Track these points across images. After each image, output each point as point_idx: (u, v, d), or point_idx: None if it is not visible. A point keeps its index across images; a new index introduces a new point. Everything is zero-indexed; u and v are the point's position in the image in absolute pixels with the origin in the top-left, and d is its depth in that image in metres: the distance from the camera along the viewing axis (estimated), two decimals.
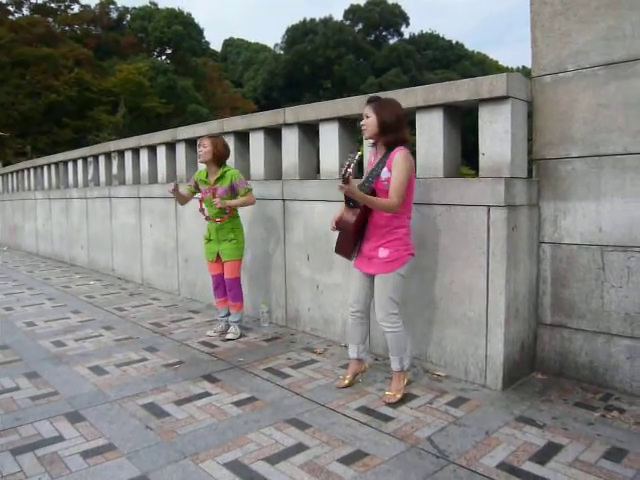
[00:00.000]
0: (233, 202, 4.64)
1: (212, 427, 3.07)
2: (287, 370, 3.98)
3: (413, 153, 4.10)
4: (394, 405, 3.31)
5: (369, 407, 3.29)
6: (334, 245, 3.49)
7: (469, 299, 3.61)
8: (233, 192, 4.68)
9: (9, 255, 12.05)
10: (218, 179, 4.67)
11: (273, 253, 5.26)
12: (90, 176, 9.42)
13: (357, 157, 3.03)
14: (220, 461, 2.69)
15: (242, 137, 5.76)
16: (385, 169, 3.22)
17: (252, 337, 4.86)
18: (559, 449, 2.74)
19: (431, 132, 3.88)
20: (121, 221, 8.13)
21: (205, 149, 4.63)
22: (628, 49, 3.33)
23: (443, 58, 66.35)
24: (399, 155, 3.19)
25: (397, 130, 3.25)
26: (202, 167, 4.91)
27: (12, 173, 14.17)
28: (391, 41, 70.68)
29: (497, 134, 3.52)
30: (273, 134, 5.37)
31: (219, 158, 4.68)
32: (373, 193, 3.23)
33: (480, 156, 3.63)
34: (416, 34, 71.66)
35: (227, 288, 4.80)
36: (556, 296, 3.74)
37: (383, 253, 3.28)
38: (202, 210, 4.77)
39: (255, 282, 5.48)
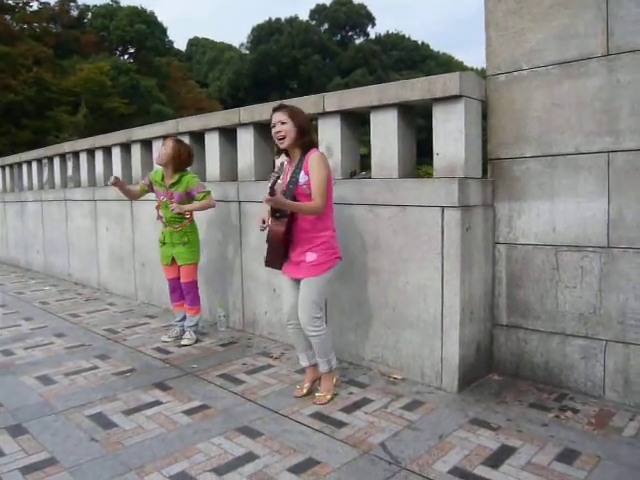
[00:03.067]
0: (191, 206, 4.51)
1: (160, 437, 2.96)
2: (241, 376, 3.89)
3: (368, 154, 4.08)
4: (348, 410, 3.25)
5: (323, 413, 3.23)
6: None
7: (424, 301, 3.57)
8: (188, 198, 4.55)
9: None
10: (174, 184, 4.53)
11: (230, 256, 5.15)
12: (45, 178, 9.13)
13: (282, 165, 3.11)
14: (166, 473, 2.59)
15: (198, 138, 5.63)
16: (302, 173, 3.20)
17: (208, 342, 4.75)
18: (512, 452, 2.72)
19: (386, 132, 3.84)
20: (77, 224, 7.90)
21: (165, 151, 4.47)
22: (581, 48, 3.34)
23: (409, 59, 66.89)
24: (314, 157, 3.19)
25: (309, 133, 3.29)
26: (158, 167, 4.75)
27: None
28: (357, 41, 71.00)
29: (451, 134, 3.50)
30: (229, 134, 5.26)
31: (179, 164, 4.53)
32: (294, 199, 3.19)
33: (434, 156, 3.61)
34: (382, 34, 72.13)
35: (184, 292, 4.69)
36: (511, 297, 3.73)
37: (311, 257, 3.25)
38: (160, 217, 4.66)
39: (212, 285, 5.36)
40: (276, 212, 3.18)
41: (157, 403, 3.44)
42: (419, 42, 71.68)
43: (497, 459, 2.65)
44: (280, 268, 3.42)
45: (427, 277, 3.55)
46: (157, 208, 4.68)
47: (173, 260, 4.67)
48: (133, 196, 4.87)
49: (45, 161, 9.06)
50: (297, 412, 3.25)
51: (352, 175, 4.21)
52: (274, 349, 4.48)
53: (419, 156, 4.48)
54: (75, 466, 2.67)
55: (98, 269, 7.39)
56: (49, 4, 42.05)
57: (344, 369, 3.94)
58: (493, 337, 3.83)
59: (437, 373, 3.56)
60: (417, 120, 4.06)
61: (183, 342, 4.66)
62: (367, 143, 4.11)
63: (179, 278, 4.71)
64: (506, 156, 3.68)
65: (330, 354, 3.41)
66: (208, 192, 4.58)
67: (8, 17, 39.04)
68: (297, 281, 3.35)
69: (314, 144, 3.35)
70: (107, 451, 2.82)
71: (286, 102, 4.35)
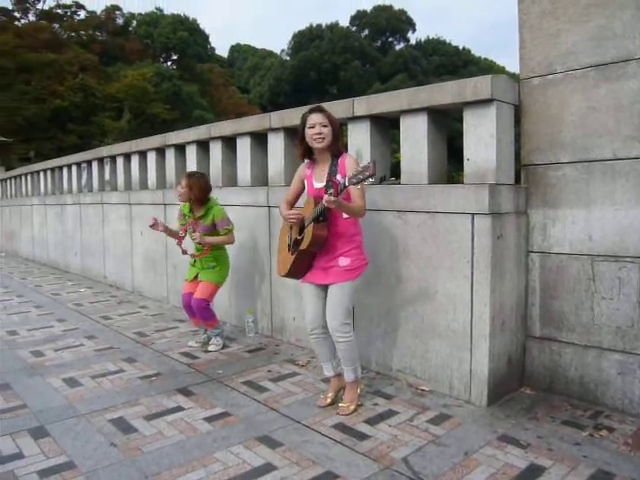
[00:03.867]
0: (211, 239, 4.54)
1: (179, 445, 2.93)
2: (266, 383, 3.83)
3: (397, 161, 4.00)
4: (372, 422, 3.15)
5: (346, 424, 3.14)
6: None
7: (453, 310, 3.46)
8: (215, 229, 4.59)
9: (5, 261, 11.97)
10: (202, 216, 4.60)
11: (259, 261, 5.12)
12: (84, 182, 9.33)
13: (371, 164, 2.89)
14: None
15: (230, 142, 5.64)
16: (339, 176, 3.13)
17: (235, 348, 4.72)
18: (541, 472, 2.58)
19: (415, 136, 3.74)
20: (113, 228, 8.03)
21: (182, 190, 4.56)
22: (619, 49, 3.18)
23: (450, 64, 66.16)
24: (350, 159, 3.18)
25: (342, 138, 3.31)
26: None
27: (11, 179, 14.14)
28: (397, 47, 70.68)
29: (482, 139, 3.38)
30: (260, 139, 5.24)
31: (198, 200, 4.58)
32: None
33: (465, 161, 3.50)
34: (422, 40, 71.64)
35: (195, 309, 4.58)
36: (545, 308, 3.58)
37: (344, 262, 3.18)
38: (184, 252, 4.70)
39: (241, 291, 5.35)
40: (320, 217, 3.10)
41: (179, 409, 3.41)
42: (460, 47, 70.91)
43: (525, 479, 2.52)
44: (302, 277, 3.36)
45: (456, 286, 3.43)
46: (179, 243, 4.70)
47: (196, 277, 4.68)
48: (177, 235, 4.80)
49: (84, 165, 9.26)
50: (319, 422, 3.18)
51: (381, 180, 4.12)
52: (301, 356, 4.42)
53: (456, 162, 4.38)
54: (92, 471, 2.65)
55: (132, 272, 7.49)
56: (96, 13, 43.39)
57: (371, 379, 3.85)
58: (525, 349, 3.67)
59: (466, 386, 3.43)
60: (450, 124, 3.94)
61: (210, 348, 4.65)
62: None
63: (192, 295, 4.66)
64: (540, 162, 3.54)
65: (356, 362, 3.33)
66: (230, 229, 4.64)
67: (57, 25, 40.39)
68: (322, 288, 3.28)
69: (344, 150, 3.33)
70: (125, 457, 2.80)
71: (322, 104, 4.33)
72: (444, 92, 3.52)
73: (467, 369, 3.41)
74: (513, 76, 3.83)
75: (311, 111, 3.24)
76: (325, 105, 4.42)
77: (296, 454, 2.80)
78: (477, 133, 3.41)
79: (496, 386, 3.40)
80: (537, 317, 3.62)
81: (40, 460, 2.78)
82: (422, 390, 3.62)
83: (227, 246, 4.74)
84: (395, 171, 4.33)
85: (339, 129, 3.26)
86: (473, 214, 3.30)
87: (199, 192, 4.55)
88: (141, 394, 3.67)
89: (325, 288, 3.27)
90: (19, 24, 39.90)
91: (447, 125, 3.92)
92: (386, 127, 4.20)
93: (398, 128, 3.94)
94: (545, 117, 3.50)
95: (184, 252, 4.71)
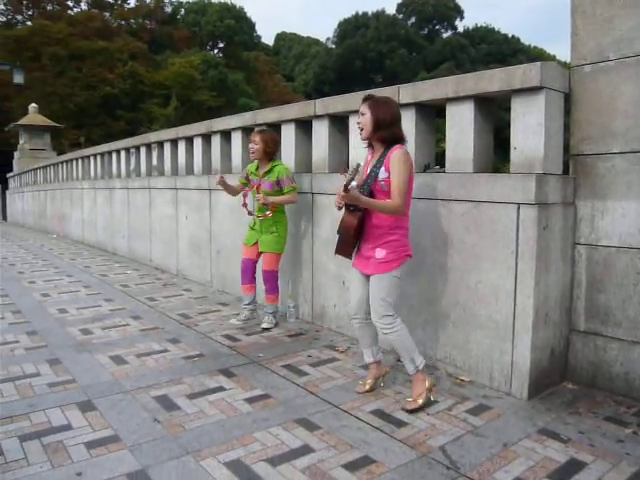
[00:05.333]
0: (274, 199, 4.65)
1: (220, 423, 3.00)
2: (305, 368, 3.88)
3: (442, 150, 3.95)
4: (412, 410, 3.15)
5: (384, 411, 3.16)
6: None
7: (496, 301, 3.41)
8: (279, 187, 4.68)
9: (56, 243, 12.41)
10: (266, 172, 4.70)
11: (301, 247, 5.16)
12: (132, 167, 9.56)
13: (358, 166, 2.94)
14: (221, 460, 2.61)
15: (274, 129, 5.66)
16: (382, 169, 3.09)
17: (276, 332, 4.79)
18: (581, 467, 2.54)
19: (461, 125, 3.69)
20: (159, 212, 8.22)
21: (256, 146, 4.67)
22: None
23: (498, 52, 64.55)
24: (397, 154, 3.06)
25: (391, 127, 3.13)
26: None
27: (62, 163, 14.60)
28: (444, 35, 69.44)
29: (530, 127, 3.31)
30: (304, 126, 5.27)
31: (269, 153, 4.72)
32: (371, 195, 3.11)
33: (511, 150, 3.43)
34: (470, 28, 70.15)
35: (264, 280, 4.82)
36: (591, 301, 3.50)
37: (380, 254, 3.15)
38: (245, 205, 4.82)
39: (283, 276, 5.39)
40: (351, 206, 3.10)
41: (220, 389, 3.50)
42: (509, 35, 69.13)
43: (564, 474, 2.49)
44: (350, 257, 3.35)
45: (500, 277, 3.39)
46: (244, 195, 4.85)
47: (256, 244, 4.81)
48: (234, 192, 5.04)
49: (132, 150, 9.48)
50: (357, 408, 3.20)
51: (426, 168, 4.09)
52: (340, 343, 4.45)
53: (503, 153, 4.30)
54: (136, 445, 2.75)
55: (177, 255, 7.65)
56: (145, 1, 44.04)
57: None
58: (569, 343, 3.60)
59: (506, 377, 3.39)
60: (497, 114, 3.87)
61: (263, 325, 4.83)
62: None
63: (254, 261, 4.87)
64: (590, 152, 3.44)
65: (413, 352, 3.22)
66: (294, 188, 4.71)
67: (107, 14, 41.25)
68: (366, 276, 3.27)
69: (399, 139, 3.16)
70: (168, 433, 2.89)
71: (361, 94, 4.31)
72: (491, 79, 3.45)
73: (508, 361, 3.37)
74: (564, 65, 3.73)
75: (362, 100, 3.23)
76: (369, 92, 4.43)
77: (334, 438, 2.84)
78: (525, 121, 3.33)
79: (537, 379, 3.35)
80: (582, 310, 3.54)
81: (87, 432, 2.90)
82: (462, 380, 3.60)
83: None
84: (439, 160, 4.29)
85: (386, 117, 3.10)
86: (519, 204, 3.25)
87: (273, 144, 4.75)
88: (184, 373, 3.77)
89: (368, 277, 3.26)
90: (72, 13, 40.93)
91: (494, 113, 3.85)
92: (431, 115, 4.15)
93: (443, 116, 3.90)
94: (596, 106, 3.40)
95: (250, 213, 4.83)
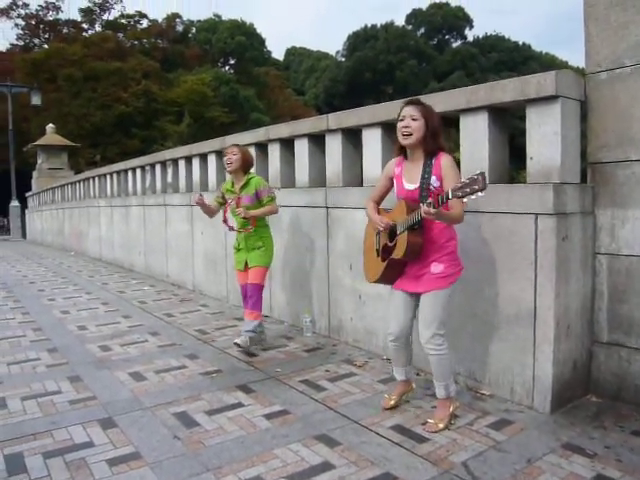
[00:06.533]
0: (255, 212, 4.55)
1: (239, 440, 2.99)
2: (324, 383, 3.86)
3: (457, 161, 3.93)
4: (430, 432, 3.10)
5: (404, 426, 3.12)
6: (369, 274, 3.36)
7: (515, 314, 3.38)
8: (258, 199, 4.61)
9: (74, 260, 12.54)
10: (243, 187, 4.63)
11: (316, 261, 5.16)
12: (147, 184, 9.65)
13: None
14: (242, 477, 2.60)
15: (287, 144, 5.70)
16: (434, 178, 2.97)
17: (293, 347, 4.77)
18: None
19: (475, 136, 3.68)
20: (175, 228, 8.27)
21: (235, 156, 4.59)
22: None
23: (509, 60, 64.47)
24: (447, 160, 2.96)
25: (440, 136, 3.04)
26: (228, 178, 4.88)
27: (80, 182, 14.79)
28: (454, 44, 69.52)
29: (546, 136, 3.29)
30: (317, 141, 5.28)
31: (248, 166, 4.70)
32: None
33: (527, 160, 3.41)
34: (480, 36, 70.17)
35: (248, 294, 4.62)
36: (613, 312, 3.44)
37: (437, 268, 3.00)
38: (225, 221, 4.76)
39: (299, 291, 5.40)
40: (415, 225, 2.90)
41: (239, 405, 3.49)
42: (520, 42, 69.02)
43: None
44: (392, 284, 3.24)
45: (519, 289, 3.35)
46: (224, 212, 4.76)
47: (246, 265, 4.70)
48: (212, 212, 4.87)
49: (148, 168, 9.58)
50: (377, 423, 3.17)
51: None
52: (358, 357, 4.42)
53: (516, 160, 4.28)
54: (156, 462, 2.75)
55: (193, 271, 7.69)
56: (157, 21, 44.69)
57: (429, 381, 3.79)
58: (592, 355, 3.54)
59: (528, 391, 3.34)
60: (511, 122, 3.85)
61: (236, 340, 4.54)
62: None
63: None
64: (608, 160, 3.41)
65: (448, 379, 3.10)
66: (273, 198, 4.66)
67: (121, 35, 41.93)
68: (412, 296, 3.14)
69: (443, 148, 3.05)
70: (188, 450, 2.89)
71: (373, 108, 4.34)
72: (505, 89, 3.44)
73: (530, 374, 3.32)
74: (576, 71, 3.71)
75: (405, 103, 3.05)
76: (379, 106, 4.47)
77: (354, 454, 2.81)
78: (541, 131, 3.31)
79: (560, 392, 3.29)
80: (604, 322, 3.49)
81: (109, 449, 2.91)
82: (482, 394, 3.55)
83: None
84: None
85: (437, 125, 3.01)
86: (537, 214, 3.22)
87: (250, 156, 4.74)
88: (203, 390, 3.77)
89: (416, 297, 3.12)
90: (86, 35, 41.64)
91: (508, 123, 3.83)
92: (445, 127, 4.14)
93: (455, 127, 3.89)
94: (613, 113, 3.37)
95: (231, 228, 4.75)
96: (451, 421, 3.13)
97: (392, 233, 3.11)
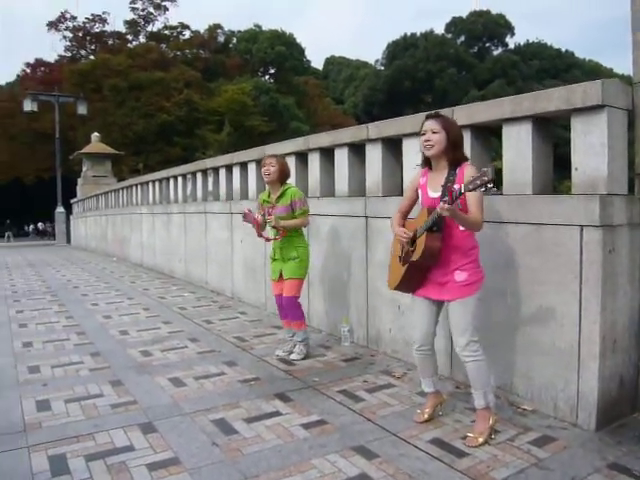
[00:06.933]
0: (285, 223, 4.57)
1: (277, 449, 3.00)
2: (362, 393, 3.84)
3: (499, 170, 3.88)
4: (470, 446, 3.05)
5: (443, 440, 3.08)
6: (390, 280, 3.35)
7: (559, 328, 3.29)
8: (293, 210, 4.63)
9: (117, 266, 12.84)
10: (279, 197, 4.66)
11: (355, 271, 5.15)
12: (188, 192, 9.82)
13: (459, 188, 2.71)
14: None
15: (327, 153, 5.72)
16: (456, 185, 2.93)
17: (331, 356, 4.77)
18: None
19: (518, 146, 3.62)
20: (215, 236, 8.39)
21: (273, 168, 4.61)
22: None
23: (551, 67, 63.45)
24: (470, 170, 2.99)
25: (462, 147, 3.11)
26: (266, 187, 4.92)
27: (123, 189, 15.15)
28: (495, 52, 68.81)
29: (592, 147, 3.21)
30: (357, 150, 5.29)
31: (285, 177, 4.71)
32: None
33: (573, 171, 3.33)
34: (522, 44, 69.25)
35: (285, 307, 4.67)
36: None
37: (460, 276, 3.02)
38: (262, 236, 4.78)
39: (337, 300, 5.40)
40: (433, 226, 2.95)
41: (277, 414, 3.50)
42: (562, 50, 67.81)
43: None
44: (413, 291, 3.25)
45: (563, 302, 3.27)
46: (259, 234, 4.77)
47: (281, 276, 4.72)
48: (261, 227, 4.84)
49: (189, 176, 9.75)
50: (416, 436, 3.13)
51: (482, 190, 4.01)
52: (396, 368, 4.39)
53: (559, 169, 4.19)
54: (195, 469, 2.78)
55: (232, 279, 7.77)
56: (199, 32, 45.63)
57: (469, 394, 3.72)
58: None
59: (572, 408, 3.25)
60: (554, 131, 3.78)
61: (292, 357, 4.67)
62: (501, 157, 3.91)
63: None
64: None
65: (487, 386, 3.07)
66: (305, 211, 4.66)
67: (164, 46, 42.99)
68: (436, 303, 3.16)
69: (466, 158, 3.12)
70: (226, 457, 2.91)
71: (413, 117, 4.32)
72: (549, 99, 3.38)
73: (574, 390, 3.24)
74: (623, 79, 3.62)
75: (426, 117, 3.13)
76: (420, 116, 4.39)
77: (392, 467, 2.78)
78: (586, 141, 3.24)
79: (606, 410, 3.19)
80: None
81: (149, 454, 2.96)
82: (524, 409, 3.47)
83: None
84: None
85: (458, 136, 3.08)
86: (582, 226, 3.15)
87: (287, 166, 4.75)
88: (241, 397, 3.80)
89: (440, 304, 3.16)
90: (131, 46, 42.89)
91: (552, 133, 3.77)
92: (487, 136, 4.10)
93: (497, 136, 3.85)
94: None
95: (267, 239, 4.78)
96: (491, 435, 3.07)
97: (414, 240, 3.13)
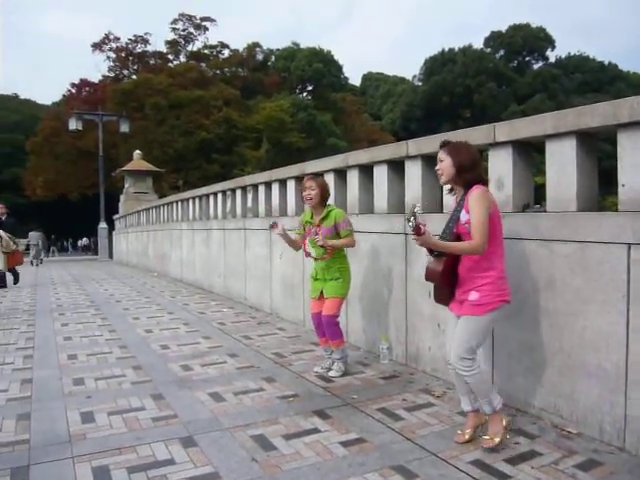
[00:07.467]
0: (334, 242, 4.58)
1: (316, 466, 2.99)
2: (401, 412, 3.80)
3: (542, 185, 3.83)
4: (513, 461, 2.99)
5: (484, 461, 3.02)
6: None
7: (605, 349, 3.20)
8: (336, 232, 4.64)
9: (157, 281, 13.08)
10: (323, 219, 4.67)
11: (394, 288, 5.12)
12: (228, 208, 9.96)
13: (417, 209, 2.90)
14: None
15: (366, 170, 5.74)
16: (463, 212, 3.09)
17: (369, 374, 4.74)
18: None
19: (562, 162, 3.56)
20: (254, 252, 8.47)
21: (313, 192, 4.63)
22: None
23: (594, 81, 62.23)
24: (475, 194, 3.05)
25: (472, 170, 3.13)
26: (307, 208, 4.94)
27: (164, 205, 15.47)
28: (535, 66, 67.97)
29: None
30: (396, 167, 5.29)
31: (326, 198, 4.73)
32: (458, 237, 3.10)
33: (619, 187, 3.25)
34: (563, 57, 68.21)
35: (324, 326, 4.65)
36: None
37: (473, 296, 3.11)
38: (308, 254, 4.81)
39: (376, 318, 5.37)
40: (433, 251, 3.12)
41: (316, 431, 3.49)
42: (605, 62, 66.46)
43: None
44: (447, 304, 3.33)
45: (609, 322, 3.19)
46: (304, 244, 4.83)
47: (321, 295, 4.73)
48: (296, 246, 4.97)
49: (228, 193, 9.90)
50: (456, 457, 3.08)
51: (525, 208, 3.97)
52: (436, 387, 4.33)
53: (605, 185, 4.11)
54: None
55: (271, 295, 7.83)
56: (238, 51, 46.54)
57: (512, 415, 3.66)
58: None
59: (619, 431, 3.14)
60: (598, 146, 3.71)
61: (330, 374, 4.66)
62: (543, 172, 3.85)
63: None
64: None
65: (490, 394, 3.19)
66: (351, 232, 4.67)
67: (203, 64, 44.00)
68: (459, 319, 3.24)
69: (478, 180, 3.14)
70: (265, 473, 2.92)
71: (454, 134, 4.28)
72: (594, 114, 3.32)
73: (621, 413, 3.13)
74: None
75: (439, 147, 3.28)
76: (461, 132, 4.41)
77: None
78: (635, 157, 3.16)
79: None
80: None
81: (189, 468, 2.99)
82: (568, 432, 3.38)
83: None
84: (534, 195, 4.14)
85: (467, 161, 3.13)
86: (629, 244, 3.06)
87: (327, 188, 4.76)
88: (280, 413, 3.81)
89: None
90: (172, 65, 44.04)
91: (596, 148, 3.70)
92: (529, 153, 4.05)
93: (539, 152, 3.80)
94: None
95: (308, 254, 4.80)
96: (507, 435, 3.20)
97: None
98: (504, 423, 3.21)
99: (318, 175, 4.96)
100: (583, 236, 3.33)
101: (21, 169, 42.92)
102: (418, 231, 2.90)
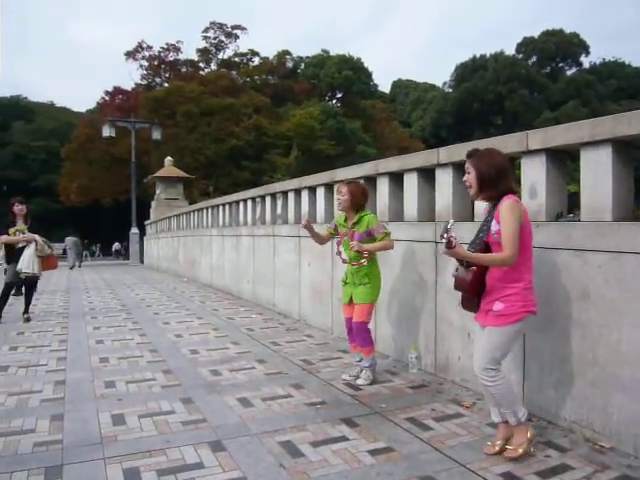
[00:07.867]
0: (370, 246, 4.57)
1: (343, 474, 2.99)
2: (429, 422, 3.77)
3: (576, 193, 3.77)
4: (544, 475, 2.94)
5: (514, 474, 2.97)
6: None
7: None
8: (369, 237, 4.62)
9: (187, 286, 13.24)
10: (355, 223, 4.67)
11: (424, 297, 5.09)
12: (257, 215, 10.04)
13: (451, 224, 2.94)
14: None
15: (397, 178, 5.73)
16: (494, 222, 3.06)
17: (398, 383, 4.71)
18: None
19: (597, 170, 3.50)
20: (283, 259, 8.51)
21: (343, 197, 4.67)
22: None
23: (630, 87, 60.92)
24: (505, 205, 3.01)
25: (497, 182, 3.08)
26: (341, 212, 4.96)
27: (194, 211, 15.67)
28: (569, 72, 66.91)
29: None
30: (426, 174, 5.26)
31: (357, 205, 4.70)
32: (487, 248, 3.08)
33: None
34: (597, 63, 67.03)
35: (354, 332, 4.67)
36: None
37: (498, 306, 3.09)
38: (339, 253, 4.82)
39: (405, 326, 5.34)
40: (463, 261, 3.12)
41: (343, 439, 3.48)
42: None
43: None
44: (475, 311, 3.31)
45: None
46: (338, 244, 4.85)
47: (351, 300, 4.74)
48: (321, 240, 5.07)
49: (258, 199, 9.98)
50: (486, 469, 3.04)
51: (558, 217, 3.91)
52: (466, 397, 4.28)
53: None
54: None
55: (299, 301, 7.85)
56: (268, 58, 46.98)
57: (542, 428, 3.61)
58: None
59: None
60: (634, 155, 3.63)
61: (358, 382, 4.65)
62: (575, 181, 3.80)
63: None
64: None
65: (515, 405, 3.16)
66: (388, 233, 4.64)
67: (234, 72, 44.52)
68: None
69: (508, 190, 3.10)
70: (293, 479, 2.92)
71: (487, 141, 4.25)
72: (632, 122, 3.26)
73: None
74: None
75: (466, 157, 3.25)
76: (494, 140, 4.37)
77: None
78: None
79: None
80: None
81: (218, 472, 3.03)
82: (601, 446, 3.30)
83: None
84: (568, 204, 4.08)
85: (489, 172, 3.08)
86: None
87: (362, 197, 4.72)
88: (308, 420, 3.81)
89: None
90: (203, 73, 44.68)
91: (632, 156, 3.62)
92: (563, 161, 3.99)
93: (573, 160, 3.74)
94: None
95: (344, 261, 4.80)
96: (531, 448, 3.18)
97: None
98: (529, 435, 3.20)
99: (352, 181, 4.96)
100: (619, 246, 3.26)
101: (56, 175, 44.01)
102: (449, 245, 2.91)
